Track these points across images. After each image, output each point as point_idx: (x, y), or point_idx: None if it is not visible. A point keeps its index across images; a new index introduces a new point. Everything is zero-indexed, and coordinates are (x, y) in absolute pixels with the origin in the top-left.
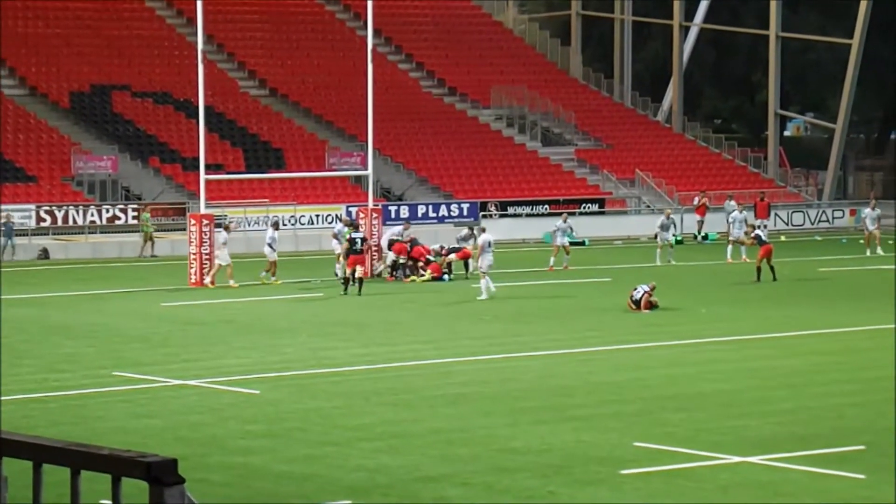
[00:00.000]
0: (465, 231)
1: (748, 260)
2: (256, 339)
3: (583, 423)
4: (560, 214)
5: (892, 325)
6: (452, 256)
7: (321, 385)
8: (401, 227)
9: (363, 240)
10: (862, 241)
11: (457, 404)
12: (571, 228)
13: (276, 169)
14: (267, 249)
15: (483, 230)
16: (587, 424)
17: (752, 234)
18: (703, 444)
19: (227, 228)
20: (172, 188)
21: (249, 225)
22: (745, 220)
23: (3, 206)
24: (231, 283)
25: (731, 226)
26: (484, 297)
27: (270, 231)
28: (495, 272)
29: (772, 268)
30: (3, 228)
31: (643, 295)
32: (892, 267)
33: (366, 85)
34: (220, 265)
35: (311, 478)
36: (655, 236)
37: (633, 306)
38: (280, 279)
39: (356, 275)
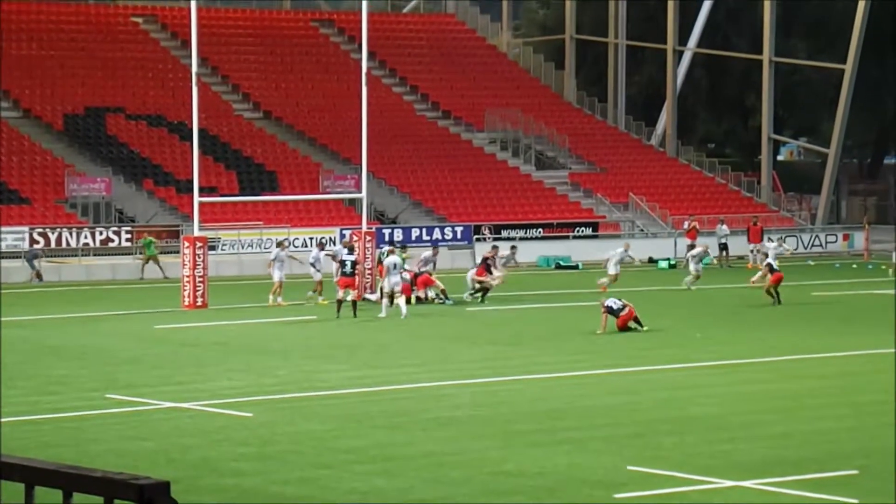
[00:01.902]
0: (507, 252)
1: (754, 282)
2: (250, 361)
3: (575, 446)
4: (621, 240)
5: (885, 350)
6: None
7: (314, 408)
8: (429, 253)
9: (354, 262)
10: (884, 267)
11: (449, 427)
12: (631, 258)
13: (270, 192)
14: (311, 269)
15: (391, 252)
16: (580, 447)
17: (765, 262)
18: (695, 468)
19: (280, 245)
20: (166, 211)
21: (243, 248)
22: (785, 250)
23: (2, 228)
24: (270, 299)
25: (763, 256)
26: (383, 315)
27: (315, 251)
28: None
29: (773, 293)
30: (26, 255)
31: (624, 309)
32: (886, 291)
33: (360, 108)
34: (281, 282)
35: (303, 500)
36: (686, 264)
37: (606, 313)
38: (327, 299)
39: (348, 297)
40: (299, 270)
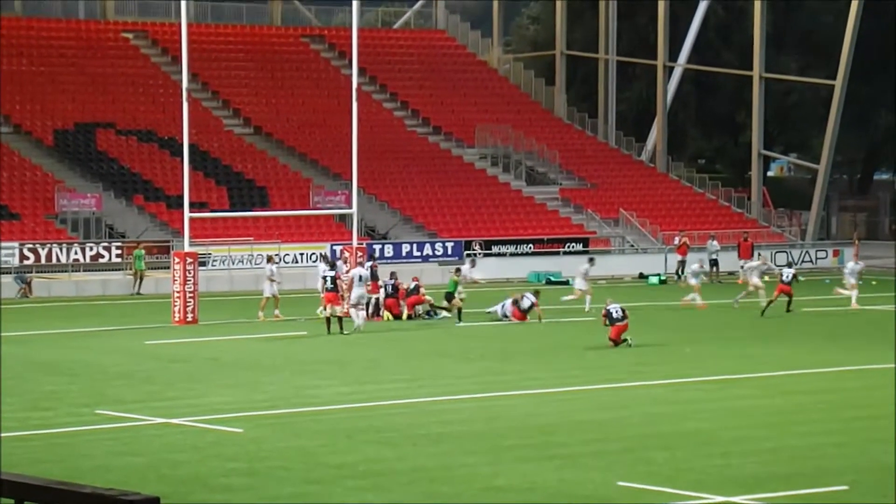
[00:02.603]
0: (585, 266)
1: (857, 306)
2: (240, 376)
3: (566, 461)
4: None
5: (876, 365)
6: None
7: (304, 423)
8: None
9: (333, 278)
10: (875, 283)
11: (440, 443)
12: (706, 274)
13: (260, 207)
14: (319, 284)
15: (361, 264)
16: (570, 463)
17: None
18: (685, 483)
19: (270, 260)
20: (157, 226)
21: (234, 263)
22: (860, 271)
23: None
24: (260, 315)
25: (850, 276)
26: (358, 324)
27: (321, 265)
28: (476, 311)
29: (788, 303)
30: (14, 273)
31: (623, 320)
32: (875, 307)
33: (350, 123)
34: (268, 297)
35: None
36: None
37: (607, 322)
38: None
39: (336, 312)
40: (289, 286)
